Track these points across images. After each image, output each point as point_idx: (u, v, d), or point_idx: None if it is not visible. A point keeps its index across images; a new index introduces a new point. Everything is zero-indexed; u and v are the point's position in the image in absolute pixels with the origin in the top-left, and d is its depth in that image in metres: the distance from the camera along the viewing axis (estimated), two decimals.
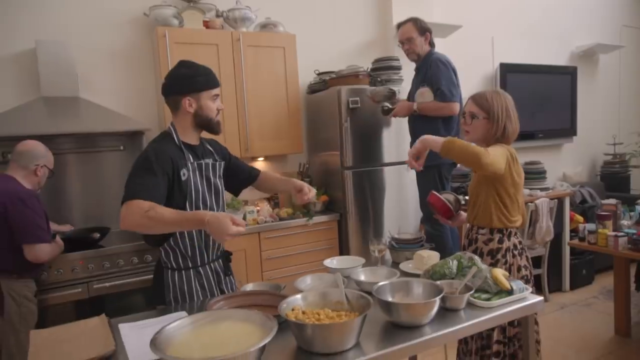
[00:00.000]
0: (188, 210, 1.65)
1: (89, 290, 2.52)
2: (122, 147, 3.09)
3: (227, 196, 3.34)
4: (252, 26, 3.32)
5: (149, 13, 3.01)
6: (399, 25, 3.04)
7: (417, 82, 2.96)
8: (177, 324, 1.13)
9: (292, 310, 1.27)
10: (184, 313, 1.49)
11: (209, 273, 1.75)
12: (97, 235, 2.60)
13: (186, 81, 1.65)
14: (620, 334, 3.10)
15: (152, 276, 2.61)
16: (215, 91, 1.71)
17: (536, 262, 3.80)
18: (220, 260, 1.81)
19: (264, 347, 1.06)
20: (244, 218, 3.02)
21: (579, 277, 4.02)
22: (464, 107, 1.94)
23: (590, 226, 2.89)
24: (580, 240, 2.97)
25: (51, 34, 2.87)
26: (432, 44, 2.96)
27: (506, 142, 1.85)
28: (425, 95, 2.82)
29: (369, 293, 1.35)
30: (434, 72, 2.79)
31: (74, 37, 2.92)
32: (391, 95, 3.04)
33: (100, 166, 3.06)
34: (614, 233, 2.71)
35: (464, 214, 2.04)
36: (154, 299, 1.75)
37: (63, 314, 2.42)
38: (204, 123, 1.70)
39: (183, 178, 1.64)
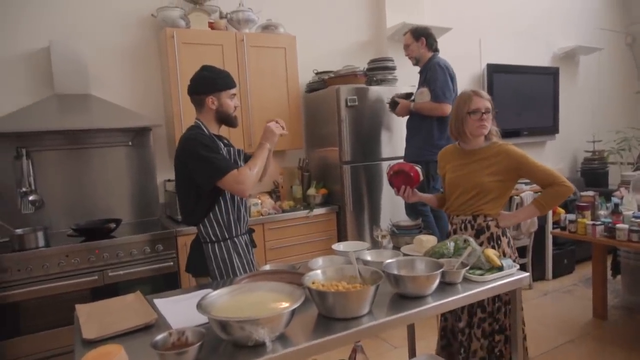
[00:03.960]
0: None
1: (104, 278, 2.66)
2: (130, 143, 3.22)
3: None
4: (255, 27, 3.47)
5: (156, 14, 3.14)
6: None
7: (419, 84, 3.18)
8: (216, 293, 1.30)
9: (313, 283, 1.44)
10: (210, 290, 1.66)
11: (243, 243, 2.04)
12: (113, 225, 2.74)
13: (209, 82, 1.94)
14: (597, 317, 3.35)
15: (163, 264, 2.80)
16: (233, 91, 2.00)
17: (521, 252, 4.03)
18: (247, 234, 2.11)
19: (293, 311, 1.23)
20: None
21: (561, 267, 4.28)
22: (472, 104, 1.99)
23: (571, 216, 3.13)
24: (562, 229, 3.20)
25: (64, 33, 2.99)
26: (434, 49, 3.16)
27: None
28: (424, 94, 3.05)
29: None
30: (432, 74, 3.03)
31: (85, 37, 3.05)
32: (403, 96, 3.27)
33: (110, 161, 3.19)
34: (592, 222, 2.94)
35: (420, 192, 2.21)
36: (196, 271, 2.03)
37: (80, 300, 2.54)
38: (224, 118, 1.99)
39: None
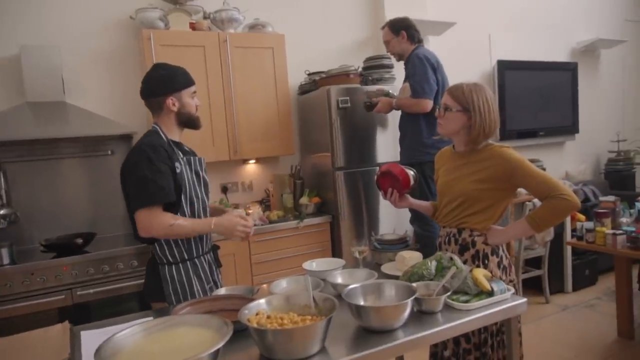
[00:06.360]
0: (184, 203, 1.71)
1: (73, 297, 2.48)
2: (109, 152, 3.06)
3: (216, 198, 3.27)
4: (240, 27, 3.28)
5: (135, 16, 2.98)
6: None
7: (404, 79, 2.91)
8: (127, 332, 1.07)
9: (256, 314, 1.21)
10: (150, 318, 1.44)
11: (204, 264, 1.82)
12: (80, 241, 2.56)
13: (168, 82, 1.74)
14: (623, 336, 2.98)
15: (136, 282, 2.59)
16: (193, 88, 1.82)
17: (536, 262, 3.70)
18: (211, 253, 1.89)
19: (217, 352, 1.00)
20: None
21: (582, 278, 3.90)
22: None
23: (588, 224, 2.80)
24: (579, 239, 2.87)
25: (36, 39, 2.85)
26: (416, 41, 2.88)
27: (488, 137, 1.76)
28: (406, 90, 2.79)
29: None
30: (410, 68, 2.77)
31: (59, 42, 2.89)
32: (380, 93, 3.00)
33: (89, 171, 3.03)
34: (612, 231, 2.61)
35: (411, 198, 1.93)
36: (151, 296, 1.79)
37: (46, 321, 2.37)
38: (186, 119, 1.79)
39: (177, 171, 1.71)
